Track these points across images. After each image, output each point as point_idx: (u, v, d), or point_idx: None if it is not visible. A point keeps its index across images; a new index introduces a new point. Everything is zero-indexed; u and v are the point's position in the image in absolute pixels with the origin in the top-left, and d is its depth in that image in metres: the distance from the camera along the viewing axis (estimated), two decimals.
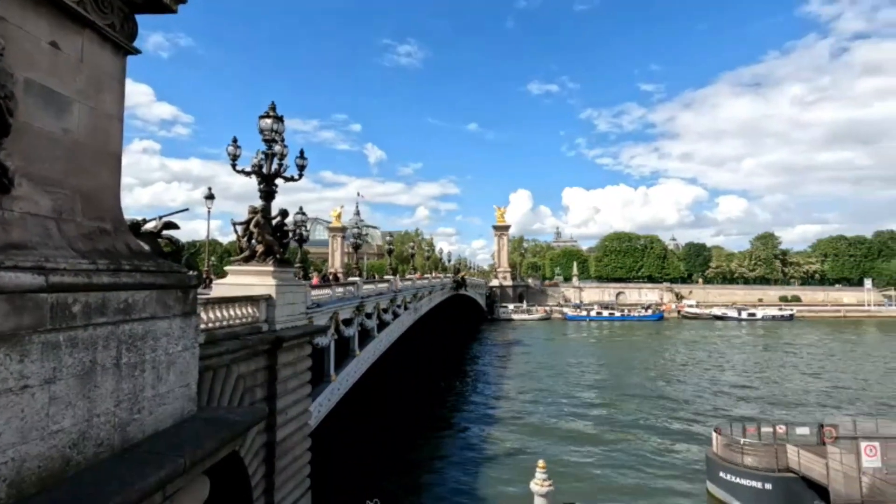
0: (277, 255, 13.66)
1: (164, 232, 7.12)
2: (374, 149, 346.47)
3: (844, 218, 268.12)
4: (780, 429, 22.55)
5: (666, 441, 29.71)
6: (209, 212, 28.36)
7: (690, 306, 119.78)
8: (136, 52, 5.03)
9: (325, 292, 20.70)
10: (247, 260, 13.51)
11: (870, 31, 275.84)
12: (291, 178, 14.72)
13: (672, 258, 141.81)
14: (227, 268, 13.82)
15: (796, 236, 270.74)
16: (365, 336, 25.50)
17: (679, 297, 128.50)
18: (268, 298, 12.58)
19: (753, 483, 20.41)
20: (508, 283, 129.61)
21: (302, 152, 15.39)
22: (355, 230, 40.01)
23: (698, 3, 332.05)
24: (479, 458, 27.35)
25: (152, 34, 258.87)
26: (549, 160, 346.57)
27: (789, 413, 34.69)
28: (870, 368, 53.47)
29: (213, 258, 71.89)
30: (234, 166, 14.16)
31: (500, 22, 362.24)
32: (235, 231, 13.86)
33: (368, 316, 25.71)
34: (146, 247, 5.54)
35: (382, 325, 28.91)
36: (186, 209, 10.90)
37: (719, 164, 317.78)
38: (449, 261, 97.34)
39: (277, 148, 13.87)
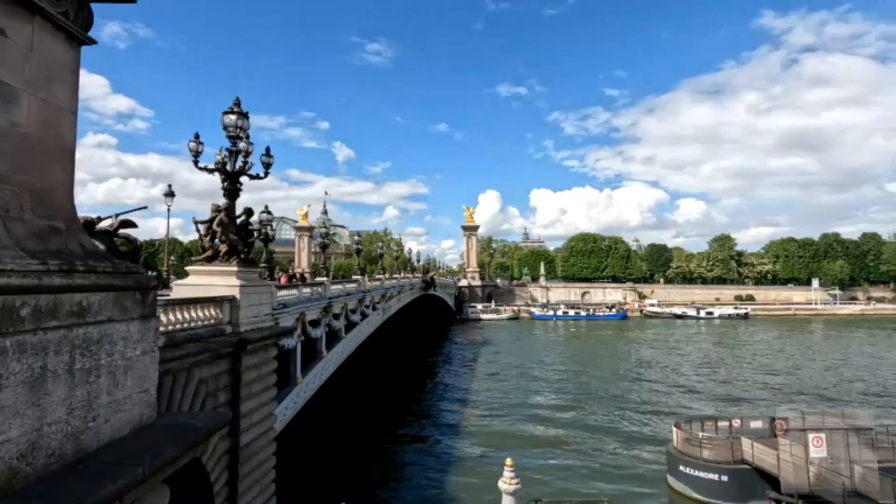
0: (242, 255, 13.30)
1: (121, 231, 6.82)
2: (342, 147, 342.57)
3: (794, 221, 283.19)
4: (736, 423, 23.58)
5: (629, 437, 30.56)
6: (169, 210, 27.32)
7: (652, 305, 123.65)
8: (92, 42, 4.79)
9: (291, 293, 20.30)
10: (209, 260, 13.09)
11: (818, 44, 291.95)
12: (257, 177, 14.36)
13: (635, 259, 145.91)
14: (188, 268, 13.35)
15: (751, 238, 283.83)
16: (333, 337, 25.14)
17: (641, 297, 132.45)
18: (231, 300, 12.23)
19: (711, 475, 21.25)
20: (477, 282, 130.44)
21: (268, 150, 15.04)
22: (323, 230, 39.30)
23: (660, 12, 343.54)
24: (447, 457, 27.41)
25: (108, 23, 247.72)
26: (518, 162, 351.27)
27: (744, 408, 36.28)
28: (817, 364, 56.51)
29: (172, 258, 69.35)
30: (196, 163, 13.70)
31: (469, 24, 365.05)
32: (198, 230, 13.42)
33: (336, 317, 25.37)
34: (101, 246, 5.29)
35: (350, 325, 28.58)
36: (145, 207, 10.49)
37: (680, 167, 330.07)
38: (418, 261, 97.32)
39: (242, 145, 13.51)
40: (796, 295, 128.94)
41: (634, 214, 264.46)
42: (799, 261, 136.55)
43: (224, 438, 11.16)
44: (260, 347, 13.03)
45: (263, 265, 22.09)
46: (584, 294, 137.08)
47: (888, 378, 48.25)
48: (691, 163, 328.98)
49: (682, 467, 22.18)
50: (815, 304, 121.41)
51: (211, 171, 13.60)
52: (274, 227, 27.17)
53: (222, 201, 13.55)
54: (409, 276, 63.11)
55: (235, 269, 12.89)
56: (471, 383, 47.33)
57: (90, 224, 6.45)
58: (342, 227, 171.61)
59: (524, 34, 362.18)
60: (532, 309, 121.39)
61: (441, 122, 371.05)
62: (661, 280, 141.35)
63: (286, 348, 17.31)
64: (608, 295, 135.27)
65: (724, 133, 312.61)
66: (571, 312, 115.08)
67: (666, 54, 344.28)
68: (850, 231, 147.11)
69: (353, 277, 34.09)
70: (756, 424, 23.20)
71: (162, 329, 9.00)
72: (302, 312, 19.99)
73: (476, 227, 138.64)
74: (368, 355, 35.35)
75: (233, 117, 13.37)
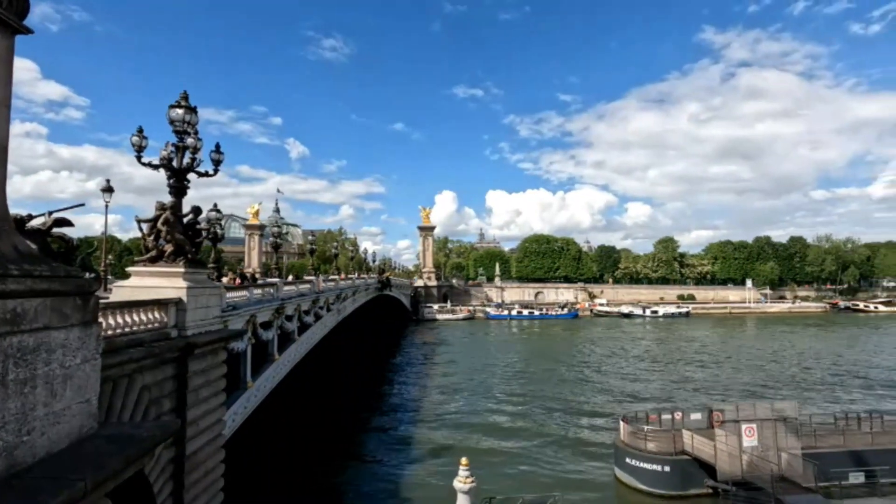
0: (189, 256, 12.76)
1: (55, 230, 6.42)
2: (296, 144, 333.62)
3: (731, 224, 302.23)
4: (678, 416, 24.89)
5: (579, 432, 31.60)
6: (107, 206, 25.72)
7: (602, 305, 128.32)
8: (28, 31, 4.50)
9: (241, 294, 19.64)
10: (153, 260, 12.48)
11: (753, 60, 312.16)
12: (206, 174, 13.81)
13: (586, 260, 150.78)
14: (130, 269, 12.65)
15: (692, 240, 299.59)
16: (285, 339, 24.53)
17: (592, 297, 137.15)
18: (178, 302, 11.71)
19: (654, 466, 22.32)
20: (433, 283, 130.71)
21: (218, 146, 14.50)
22: (275, 228, 38.12)
23: (611, 22, 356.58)
24: (403, 458, 27.36)
25: (39, 4, 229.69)
26: (474, 163, 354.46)
27: (686, 401, 38.28)
28: (751, 359, 60.48)
29: (110, 257, 65.24)
30: (139, 158, 13.02)
31: (427, 24, 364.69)
32: (140, 229, 12.75)
33: (289, 318, 24.76)
34: (33, 247, 4.97)
35: (304, 327, 27.97)
36: (82, 204, 9.84)
37: (628, 172, 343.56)
38: (374, 261, 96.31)
39: (190, 141, 12.95)
40: (732, 294, 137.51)
41: (586, 216, 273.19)
42: (735, 262, 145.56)
43: (168, 447, 10.67)
44: (208, 351, 12.55)
45: (212, 266, 21.24)
46: (537, 294, 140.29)
47: (811, 371, 52.32)
48: (639, 168, 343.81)
49: (628, 459, 23.16)
50: (749, 302, 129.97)
51: (156, 167, 12.96)
52: (223, 225, 26.18)
53: (167, 198, 12.94)
54: (365, 276, 62.39)
55: (182, 270, 12.35)
56: (426, 384, 47.41)
57: (20, 222, 6.03)
58: (295, 225, 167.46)
59: (481, 37, 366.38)
60: (487, 309, 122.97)
61: (398, 121, 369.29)
62: (611, 280, 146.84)
63: (236, 351, 16.75)
64: (560, 295, 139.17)
65: (668, 140, 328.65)
66: (525, 312, 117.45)
67: (616, 63, 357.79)
68: (780, 234, 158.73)
69: (307, 278, 33.35)
70: (696, 417, 24.58)
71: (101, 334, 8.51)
72: (253, 314, 19.39)
73: (432, 228, 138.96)
74: (323, 357, 34.70)
75: (180, 112, 12.80)
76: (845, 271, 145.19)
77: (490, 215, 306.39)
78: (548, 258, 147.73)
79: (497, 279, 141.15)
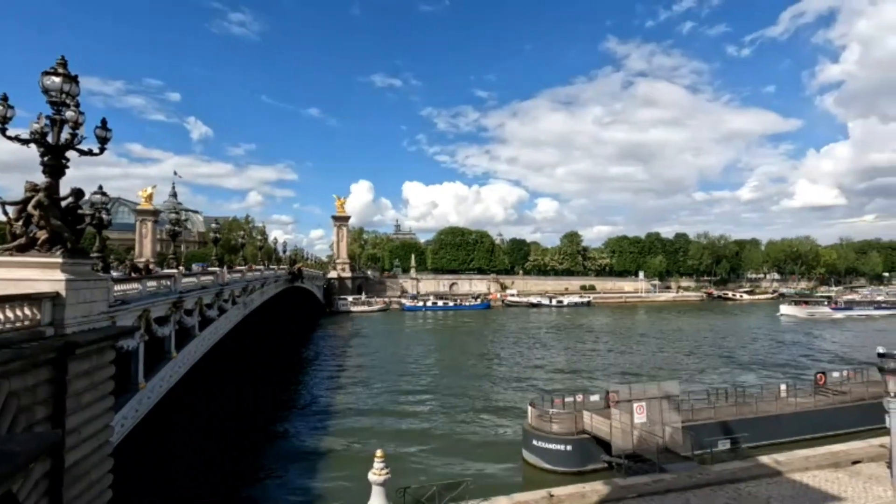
0: (68, 244, 11.28)
1: None
2: (197, 124, 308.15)
3: (628, 221, 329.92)
4: (579, 398, 26.79)
5: (491, 419, 32.86)
6: None
7: (512, 296, 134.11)
8: None
9: (133, 287, 17.82)
10: (22, 249, 10.85)
11: (648, 71, 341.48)
12: (89, 152, 12.26)
13: (498, 252, 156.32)
14: None
15: (594, 235, 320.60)
16: (185, 335, 22.72)
17: (503, 288, 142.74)
18: (54, 297, 10.32)
19: (558, 446, 23.88)
20: (348, 274, 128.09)
21: (104, 122, 12.90)
22: (172, 214, 34.74)
23: (525, 24, 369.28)
24: (317, 454, 26.67)
25: None
26: (391, 153, 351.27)
27: (589, 383, 41.26)
28: (642, 343, 66.72)
29: None
30: (4, 131, 11.21)
31: (345, 7, 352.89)
32: (5, 212, 11.05)
33: (189, 313, 22.93)
34: None
35: (206, 322, 26.08)
36: None
37: (538, 169, 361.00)
38: (284, 251, 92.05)
39: (70, 114, 11.39)
40: (627, 285, 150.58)
41: (499, 210, 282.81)
42: (630, 256, 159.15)
43: (43, 460, 9.44)
44: (92, 351, 11.23)
45: (96, 255, 18.99)
46: (452, 285, 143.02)
47: (690, 353, 58.93)
48: (548, 165, 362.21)
49: (534, 441, 24.53)
50: (641, 292, 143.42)
51: (25, 141, 11.25)
52: (110, 210, 23.43)
53: (42, 178, 11.32)
54: (275, 267, 59.45)
55: (59, 260, 10.88)
56: (339, 378, 46.51)
57: None
58: (196, 211, 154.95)
59: (401, 26, 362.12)
60: (403, 300, 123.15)
61: (313, 106, 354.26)
62: (521, 272, 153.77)
63: (126, 350, 15.21)
64: (474, 286, 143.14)
65: (575, 140, 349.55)
66: (440, 303, 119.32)
67: (530, 64, 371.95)
68: (668, 231, 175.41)
69: (210, 269, 31.05)
70: (594, 398, 26.63)
71: None
72: (146, 309, 17.69)
73: (347, 218, 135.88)
74: (229, 353, 32.63)
75: (56, 80, 11.18)
76: (719, 265, 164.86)
77: (407, 206, 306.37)
78: (462, 250, 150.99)
79: (413, 271, 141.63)
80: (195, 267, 33.78)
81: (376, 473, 14.60)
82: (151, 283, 19.80)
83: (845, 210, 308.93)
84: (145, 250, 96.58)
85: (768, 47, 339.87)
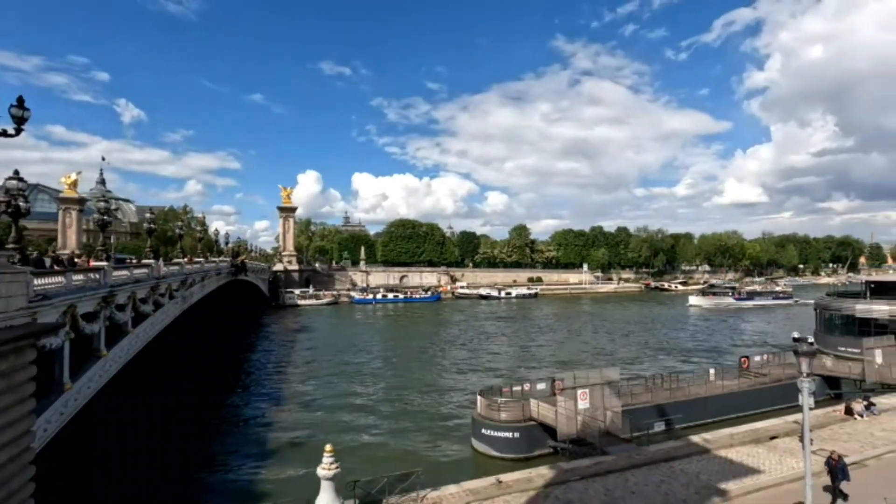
0: None
1: None
2: (129, 106, 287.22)
3: (574, 215, 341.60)
4: (527, 386, 27.57)
5: (441, 409, 33.17)
6: None
7: (462, 288, 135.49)
8: None
9: (56, 281, 16.46)
10: None
11: (594, 70, 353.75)
12: (3, 133, 11.18)
13: (449, 244, 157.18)
14: None
15: (541, 228, 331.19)
16: (117, 332, 21.29)
17: (454, 280, 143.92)
18: None
19: (506, 434, 24.49)
20: (294, 267, 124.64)
21: (21, 101, 11.77)
22: (100, 203, 32.21)
23: (477, 18, 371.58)
24: (263, 451, 25.95)
25: None
26: (340, 143, 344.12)
27: (536, 372, 42.45)
28: (586, 332, 69.43)
29: None
30: None
31: None
32: None
33: (121, 308, 21.48)
34: None
35: (141, 317, 24.56)
36: None
37: (488, 163, 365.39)
38: (226, 243, 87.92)
39: None
40: (572, 277, 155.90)
41: (449, 203, 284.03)
42: (574, 248, 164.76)
43: None
44: (9, 351, 10.30)
45: (12, 246, 17.36)
46: (402, 278, 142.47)
47: (629, 341, 61.99)
48: (497, 159, 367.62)
49: (483, 430, 25.03)
50: (585, 284, 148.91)
51: None
52: (28, 197, 21.46)
53: None
54: (216, 259, 56.76)
55: None
56: (286, 372, 45.35)
57: None
58: (127, 201, 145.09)
59: (351, 12, 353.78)
60: (352, 293, 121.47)
61: (256, 91, 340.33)
62: (471, 264, 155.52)
63: (50, 349, 14.09)
64: (424, 278, 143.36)
65: (524, 135, 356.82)
66: (390, 296, 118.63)
67: (480, 58, 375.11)
68: (610, 224, 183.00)
69: (144, 262, 29.22)
70: (541, 386, 27.49)
71: None
72: (72, 304, 16.40)
73: (294, 209, 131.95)
74: (167, 350, 30.91)
75: None
76: (656, 257, 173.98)
77: (356, 198, 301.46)
78: (413, 242, 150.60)
79: (362, 263, 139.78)
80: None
81: (325, 468, 14.39)
82: (78, 277, 18.37)
83: (767, 207, 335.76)
84: (69, 241, 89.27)
85: (703, 52, 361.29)
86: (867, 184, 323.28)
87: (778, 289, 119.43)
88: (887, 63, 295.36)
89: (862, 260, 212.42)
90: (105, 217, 30.19)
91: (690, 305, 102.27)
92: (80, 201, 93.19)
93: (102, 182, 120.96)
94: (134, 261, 33.55)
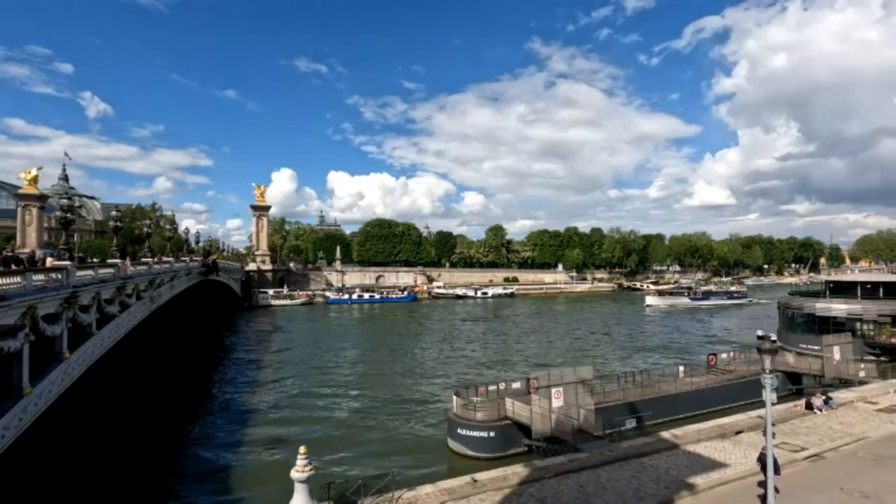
0: None
1: None
2: (94, 100, 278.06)
3: (549, 215, 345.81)
4: (502, 386, 27.79)
5: (417, 410, 33.08)
6: None
7: (439, 288, 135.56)
8: None
9: (14, 281, 15.81)
10: None
11: (569, 73, 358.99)
12: None
13: (426, 244, 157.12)
14: None
15: (518, 229, 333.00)
16: (81, 334, 20.57)
17: (430, 280, 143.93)
18: None
19: (481, 433, 24.61)
20: (268, 266, 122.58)
21: None
22: (63, 200, 30.97)
23: (454, 18, 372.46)
24: (236, 456, 25.41)
25: None
26: (316, 142, 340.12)
27: (513, 371, 42.79)
28: (561, 331, 70.35)
29: None
30: None
31: None
32: None
33: (85, 309, 20.75)
34: None
35: (106, 319, 23.77)
36: None
37: (465, 163, 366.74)
38: (197, 242, 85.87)
39: None
40: (547, 277, 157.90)
41: (426, 203, 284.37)
42: (550, 248, 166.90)
43: None
44: None
45: None
46: (378, 278, 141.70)
47: (602, 340, 63.14)
48: (475, 160, 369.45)
49: (459, 430, 25.08)
50: (560, 283, 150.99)
51: None
52: None
53: None
54: (187, 259, 55.34)
55: None
56: (259, 374, 44.56)
57: None
58: (92, 197, 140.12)
59: (327, 8, 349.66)
60: (327, 293, 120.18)
61: (230, 87, 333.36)
62: (447, 264, 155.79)
63: (8, 351, 13.52)
64: (401, 278, 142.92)
65: (501, 136, 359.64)
66: (366, 296, 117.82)
67: (458, 58, 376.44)
68: (585, 225, 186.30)
69: (110, 261, 28.28)
70: (516, 385, 27.75)
71: None
72: (31, 306, 15.76)
73: (268, 208, 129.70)
74: (135, 352, 29.96)
75: None
76: (629, 257, 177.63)
77: (332, 197, 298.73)
78: (389, 242, 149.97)
79: (338, 263, 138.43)
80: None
81: (299, 470, 14.21)
82: (38, 277, 17.66)
83: (735, 209, 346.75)
84: (30, 240, 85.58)
85: (674, 58, 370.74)
86: (827, 188, 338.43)
87: (733, 289, 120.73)
88: (844, 74, 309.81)
89: (822, 261, 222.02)
90: (68, 215, 29.12)
91: (647, 306, 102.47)
92: (41, 198, 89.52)
93: (65, 178, 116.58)
94: (96, 260, 32.42)
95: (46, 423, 16.60)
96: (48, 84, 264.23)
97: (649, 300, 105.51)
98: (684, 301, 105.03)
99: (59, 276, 18.99)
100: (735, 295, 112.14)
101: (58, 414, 17.61)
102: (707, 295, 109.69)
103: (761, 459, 15.23)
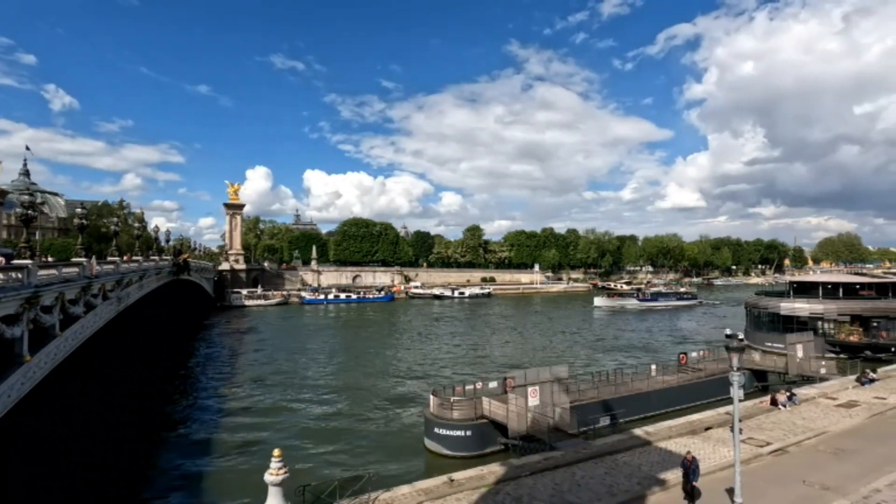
0: None
1: None
2: (59, 93, 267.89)
3: (526, 216, 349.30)
4: (479, 385, 27.90)
5: (394, 410, 32.92)
6: None
7: (416, 288, 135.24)
8: None
9: None
10: None
11: (546, 76, 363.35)
12: None
13: (403, 244, 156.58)
14: None
15: (495, 229, 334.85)
16: (43, 335, 19.76)
17: (407, 280, 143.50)
18: None
19: (458, 432, 24.65)
20: (242, 266, 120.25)
21: None
22: (24, 196, 29.71)
23: (433, 19, 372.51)
24: (209, 459, 24.81)
25: None
26: (292, 139, 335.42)
27: (489, 370, 42.95)
28: (537, 331, 71.04)
29: None
30: None
31: None
32: None
33: (47, 310, 19.95)
34: None
35: (70, 319, 22.90)
36: None
37: (443, 163, 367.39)
38: (168, 241, 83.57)
39: None
40: (524, 277, 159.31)
41: (404, 203, 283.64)
42: (526, 249, 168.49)
43: None
44: None
45: None
46: (355, 277, 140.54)
47: (578, 339, 64.04)
48: (453, 160, 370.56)
49: (436, 429, 25.07)
50: (536, 283, 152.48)
51: None
52: None
53: None
54: (156, 258, 53.76)
55: None
56: (232, 376, 43.64)
57: None
58: (55, 194, 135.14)
59: (303, 5, 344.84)
60: (303, 293, 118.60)
61: (202, 82, 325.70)
62: (425, 264, 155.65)
63: None
64: (378, 278, 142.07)
65: (478, 137, 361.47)
66: (342, 296, 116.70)
67: (436, 59, 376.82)
68: (561, 226, 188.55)
69: (75, 260, 27.25)
70: (493, 384, 27.90)
71: None
72: None
73: (242, 206, 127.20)
74: (104, 354, 28.96)
75: None
76: (603, 258, 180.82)
77: (308, 196, 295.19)
78: (366, 242, 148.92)
79: (314, 262, 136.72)
80: None
81: (273, 473, 13.95)
82: None
83: (705, 211, 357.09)
84: None
85: (647, 63, 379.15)
86: (791, 192, 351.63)
87: (682, 290, 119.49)
88: (807, 82, 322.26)
89: (786, 262, 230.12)
90: (29, 211, 27.92)
91: (595, 307, 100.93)
92: (1, 193, 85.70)
93: (27, 173, 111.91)
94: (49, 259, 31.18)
95: (8, 427, 15.90)
96: (9, 75, 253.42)
97: (597, 301, 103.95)
98: (633, 302, 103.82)
99: (20, 275, 18.21)
100: (685, 296, 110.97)
101: (18, 420, 16.88)
102: (656, 296, 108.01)
103: (683, 465, 15.40)
